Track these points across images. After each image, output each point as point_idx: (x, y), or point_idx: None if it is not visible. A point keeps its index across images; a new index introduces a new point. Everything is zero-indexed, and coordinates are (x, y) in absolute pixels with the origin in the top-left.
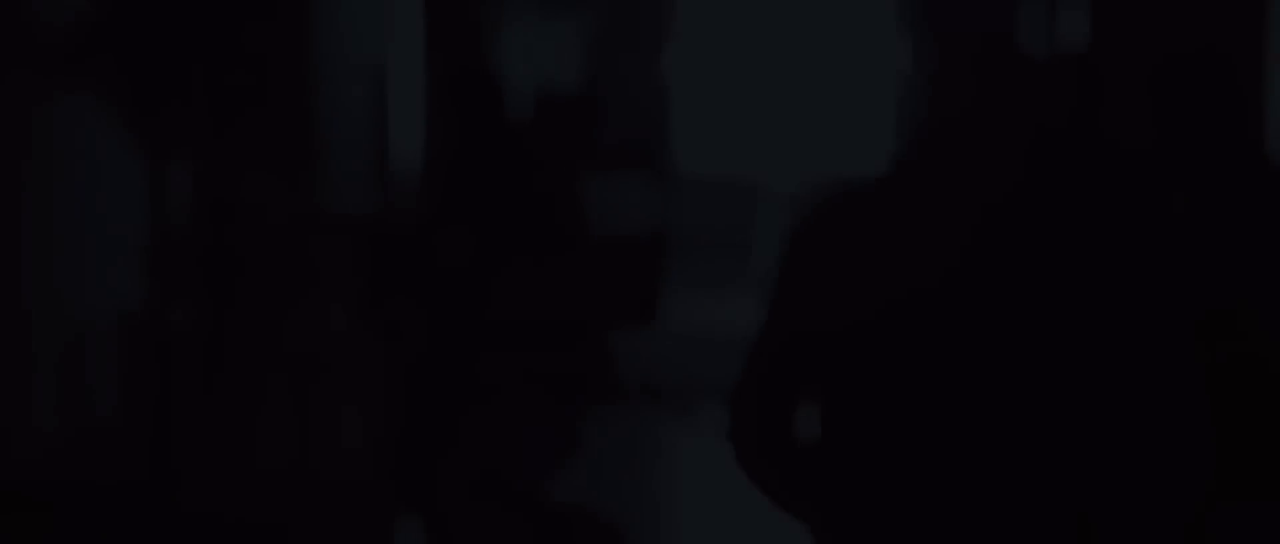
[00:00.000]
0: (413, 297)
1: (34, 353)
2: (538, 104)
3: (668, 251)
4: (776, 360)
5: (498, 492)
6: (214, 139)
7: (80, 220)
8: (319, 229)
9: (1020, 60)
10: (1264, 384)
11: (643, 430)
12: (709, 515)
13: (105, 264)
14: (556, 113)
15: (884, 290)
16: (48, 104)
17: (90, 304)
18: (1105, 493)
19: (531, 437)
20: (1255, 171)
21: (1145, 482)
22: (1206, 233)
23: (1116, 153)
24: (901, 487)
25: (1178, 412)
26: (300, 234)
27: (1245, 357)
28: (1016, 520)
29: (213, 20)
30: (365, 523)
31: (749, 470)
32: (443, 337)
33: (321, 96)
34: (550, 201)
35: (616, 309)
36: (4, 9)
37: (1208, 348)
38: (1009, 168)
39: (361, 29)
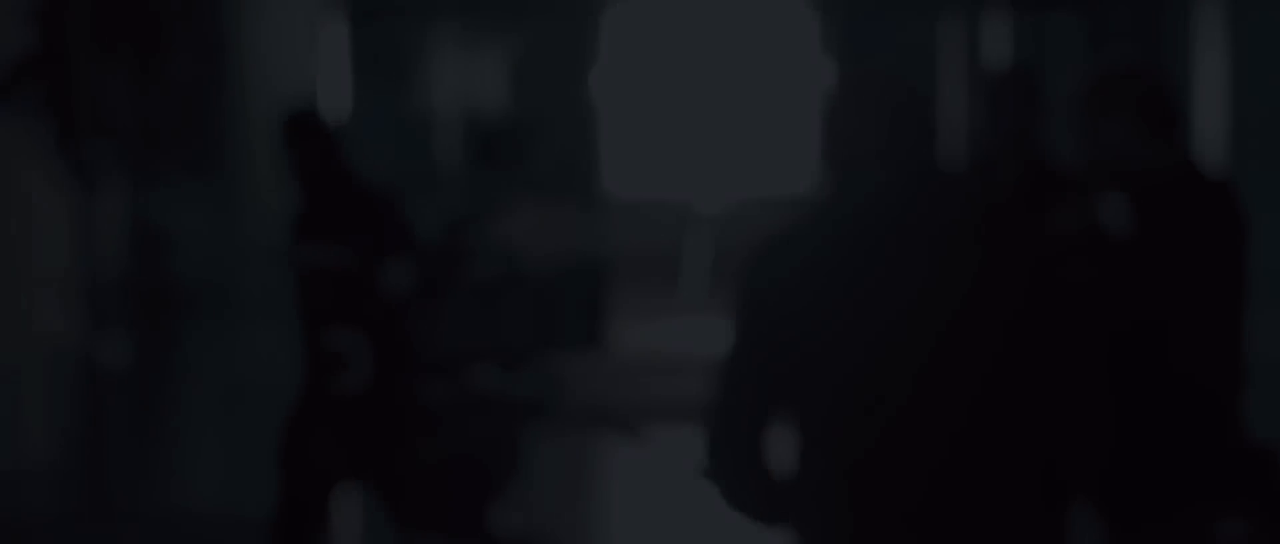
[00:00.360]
0: (354, 326)
1: None
2: (466, 133)
3: (605, 275)
4: (746, 397)
5: (443, 519)
6: (142, 172)
7: (9, 256)
8: (251, 261)
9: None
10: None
11: (587, 453)
12: (654, 537)
13: (35, 299)
14: (485, 142)
15: (836, 315)
16: None
17: (21, 339)
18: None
19: (475, 463)
20: (1189, 184)
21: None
22: (1142, 245)
23: (1045, 171)
24: (879, 497)
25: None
26: (231, 266)
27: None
28: (996, 516)
29: (140, 55)
30: None
31: (735, 502)
32: (385, 366)
33: (251, 129)
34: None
35: (559, 334)
36: None
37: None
38: (936, 192)
39: (289, 61)
